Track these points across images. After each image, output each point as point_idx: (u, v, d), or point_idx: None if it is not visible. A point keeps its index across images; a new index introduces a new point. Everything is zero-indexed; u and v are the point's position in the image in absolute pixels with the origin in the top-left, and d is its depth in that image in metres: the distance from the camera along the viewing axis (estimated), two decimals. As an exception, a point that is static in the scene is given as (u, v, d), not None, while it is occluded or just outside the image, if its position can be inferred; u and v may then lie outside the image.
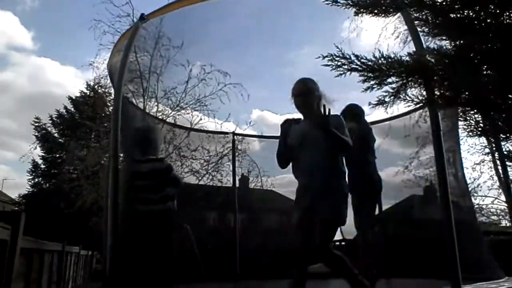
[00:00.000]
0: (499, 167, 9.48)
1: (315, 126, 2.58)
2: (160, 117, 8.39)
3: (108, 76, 11.31)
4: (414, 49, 2.64)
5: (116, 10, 10.44)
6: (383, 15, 2.28)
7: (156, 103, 8.74)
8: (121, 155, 3.79)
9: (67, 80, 33.10)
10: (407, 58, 2.23)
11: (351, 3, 2.23)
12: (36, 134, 18.69)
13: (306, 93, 2.77)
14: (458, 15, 2.11)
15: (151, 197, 3.08)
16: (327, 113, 2.48)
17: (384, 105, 2.33)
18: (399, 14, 2.47)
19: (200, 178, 8.93)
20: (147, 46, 7.69)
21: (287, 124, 2.75)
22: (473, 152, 11.91)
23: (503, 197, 12.04)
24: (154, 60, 8.27)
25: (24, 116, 35.93)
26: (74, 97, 19.29)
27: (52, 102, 35.84)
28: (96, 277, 10.76)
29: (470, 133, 2.54)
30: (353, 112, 3.71)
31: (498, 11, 2.07)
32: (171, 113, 9.11)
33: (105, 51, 10.60)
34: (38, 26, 35.54)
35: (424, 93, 2.45)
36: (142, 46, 7.25)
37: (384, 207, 5.39)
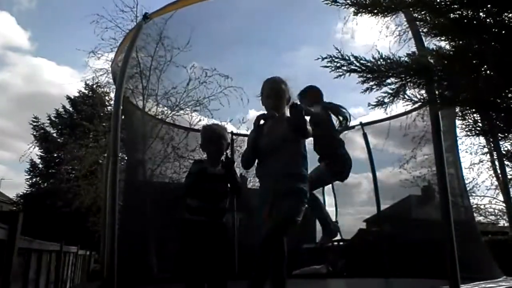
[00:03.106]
0: (497, 167, 9.49)
1: (293, 129, 2.56)
2: (159, 117, 8.36)
3: (106, 75, 11.38)
4: (411, 50, 2.64)
5: (119, 3, 10.45)
6: (382, 14, 2.27)
7: (155, 103, 8.71)
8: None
9: (64, 80, 33.05)
10: (406, 59, 2.23)
11: (350, 3, 2.23)
12: (34, 133, 18.66)
13: (281, 94, 2.70)
14: (457, 15, 2.11)
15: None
16: (302, 115, 2.50)
17: (383, 106, 2.32)
18: (397, 14, 2.47)
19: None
20: (148, 46, 7.67)
21: (260, 122, 2.64)
22: (471, 152, 11.96)
23: (501, 197, 12.06)
24: (155, 59, 8.26)
25: (20, 116, 35.87)
26: (72, 97, 19.26)
27: (49, 102, 35.62)
28: (94, 277, 10.73)
29: (469, 133, 2.54)
30: (315, 94, 3.66)
31: (496, 10, 2.07)
32: (170, 113, 9.08)
33: (106, 47, 10.59)
34: (35, 26, 35.44)
35: (423, 93, 2.45)
36: (143, 45, 7.23)
37: (382, 207, 5.39)
